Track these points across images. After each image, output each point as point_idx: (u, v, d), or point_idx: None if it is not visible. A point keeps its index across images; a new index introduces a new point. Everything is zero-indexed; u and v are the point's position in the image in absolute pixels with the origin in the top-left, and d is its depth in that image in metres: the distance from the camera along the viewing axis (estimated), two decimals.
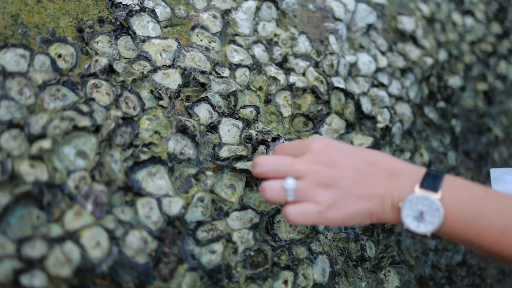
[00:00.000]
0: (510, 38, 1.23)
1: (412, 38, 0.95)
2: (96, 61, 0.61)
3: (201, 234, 0.57)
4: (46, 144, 0.51)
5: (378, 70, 0.84)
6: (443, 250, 0.84)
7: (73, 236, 0.49)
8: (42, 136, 0.52)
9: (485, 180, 1.00)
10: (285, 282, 0.60)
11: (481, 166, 1.02)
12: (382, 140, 0.78)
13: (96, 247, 0.49)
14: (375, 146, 0.77)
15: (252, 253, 0.58)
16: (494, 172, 0.74)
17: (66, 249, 0.48)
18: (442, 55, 1.01)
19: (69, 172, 0.52)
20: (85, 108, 0.56)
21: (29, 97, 0.54)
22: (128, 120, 0.58)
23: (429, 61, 0.93)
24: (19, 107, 0.53)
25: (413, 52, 0.92)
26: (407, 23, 0.94)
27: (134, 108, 0.60)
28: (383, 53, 0.88)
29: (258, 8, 0.76)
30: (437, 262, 0.82)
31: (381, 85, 0.83)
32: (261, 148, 0.64)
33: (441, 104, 0.93)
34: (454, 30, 1.09)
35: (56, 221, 0.50)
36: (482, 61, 1.13)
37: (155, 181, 0.56)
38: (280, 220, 0.62)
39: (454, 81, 0.98)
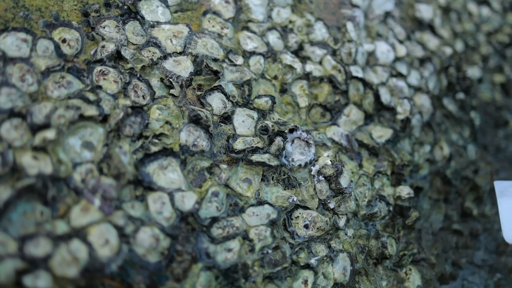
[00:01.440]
0: None
1: (429, 27, 0.91)
2: (103, 46, 0.57)
3: (216, 231, 0.53)
4: (50, 134, 0.48)
5: (397, 59, 0.80)
6: (463, 247, 0.80)
7: (80, 233, 0.45)
8: (46, 126, 0.48)
9: (505, 176, 0.97)
10: (305, 282, 0.56)
11: (499, 160, 0.98)
12: (401, 133, 0.74)
13: (105, 245, 0.46)
14: (395, 138, 0.73)
15: (270, 251, 0.55)
16: (499, 185, 0.71)
17: (72, 248, 0.44)
18: (459, 46, 0.97)
19: (75, 165, 0.49)
20: (91, 97, 0.52)
21: (31, 84, 0.51)
22: (137, 109, 0.55)
23: (448, 51, 0.89)
24: (21, 94, 0.50)
25: (432, 42, 0.88)
26: (424, 11, 0.90)
27: (143, 96, 0.56)
28: (401, 42, 0.84)
29: None
30: (458, 259, 0.78)
31: (399, 75, 0.79)
32: (278, 140, 0.60)
33: (460, 95, 0.89)
34: (470, 20, 1.05)
35: (61, 217, 0.46)
36: (499, 52, 1.09)
37: (166, 174, 0.53)
38: (298, 216, 0.59)
39: (473, 72, 0.94)
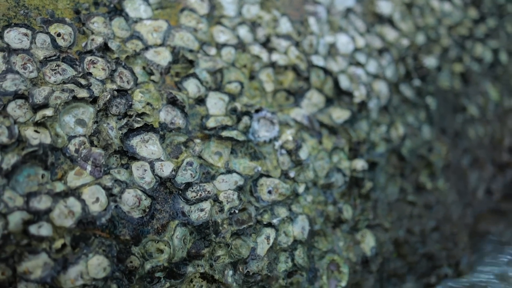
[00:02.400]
0: (486, 22, 1.29)
1: (389, 21, 1.01)
2: (93, 40, 0.66)
3: (190, 194, 0.63)
4: (48, 112, 0.57)
5: (356, 50, 0.90)
6: (417, 216, 0.90)
7: (75, 192, 0.55)
8: (45, 105, 0.58)
9: (460, 156, 1.07)
10: (268, 238, 0.66)
11: (456, 142, 1.08)
12: (359, 114, 0.84)
13: (96, 202, 0.55)
14: (353, 119, 0.83)
15: (237, 212, 0.64)
16: None
17: (68, 203, 0.54)
18: (420, 39, 1.07)
19: (70, 138, 0.58)
20: (83, 81, 0.62)
21: (32, 71, 0.60)
22: (122, 92, 0.64)
23: (405, 42, 0.99)
24: (23, 80, 0.59)
25: (390, 34, 0.98)
26: (384, 7, 0.99)
27: (128, 82, 0.66)
28: (361, 34, 0.94)
29: None
30: (411, 227, 0.88)
31: (358, 64, 0.89)
32: (245, 118, 0.70)
33: (417, 82, 0.99)
34: (432, 15, 1.15)
35: (59, 179, 0.55)
36: (459, 44, 1.19)
37: (148, 147, 0.62)
38: (262, 184, 0.68)
39: (430, 61, 1.04)
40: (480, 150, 1.14)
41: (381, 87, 0.91)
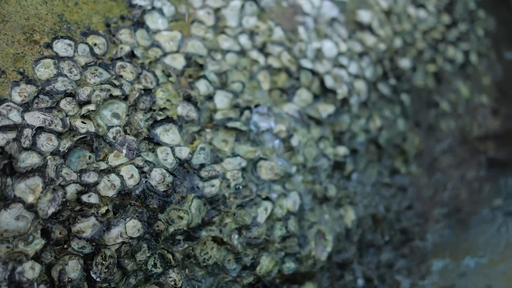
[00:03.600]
0: (458, 27, 1.45)
1: (369, 28, 1.16)
2: (121, 48, 0.81)
3: (204, 173, 0.78)
4: (91, 107, 0.72)
5: (339, 54, 1.06)
6: (392, 196, 1.06)
7: (115, 170, 0.70)
8: (88, 102, 0.72)
9: (433, 145, 1.22)
10: (266, 209, 0.81)
11: (430, 134, 1.24)
12: (341, 108, 0.99)
13: (131, 178, 0.70)
14: (337, 113, 0.98)
15: (241, 187, 0.79)
16: None
17: (111, 178, 0.68)
18: (398, 42, 1.22)
19: (108, 127, 0.73)
20: (116, 82, 0.76)
21: (76, 75, 0.75)
22: (147, 91, 0.79)
23: (382, 46, 1.14)
24: (70, 81, 0.73)
25: (369, 40, 1.14)
26: (364, 16, 1.15)
27: (151, 82, 0.80)
28: (344, 40, 1.09)
29: (242, 6, 0.97)
30: (388, 205, 1.04)
31: (341, 66, 1.04)
32: (246, 112, 0.85)
33: (393, 81, 1.15)
34: (409, 21, 1.30)
35: (102, 160, 0.70)
36: (433, 47, 1.35)
37: (169, 135, 0.77)
38: (261, 166, 0.84)
39: (404, 62, 1.19)
40: (451, 140, 1.29)
41: (361, 85, 1.06)
